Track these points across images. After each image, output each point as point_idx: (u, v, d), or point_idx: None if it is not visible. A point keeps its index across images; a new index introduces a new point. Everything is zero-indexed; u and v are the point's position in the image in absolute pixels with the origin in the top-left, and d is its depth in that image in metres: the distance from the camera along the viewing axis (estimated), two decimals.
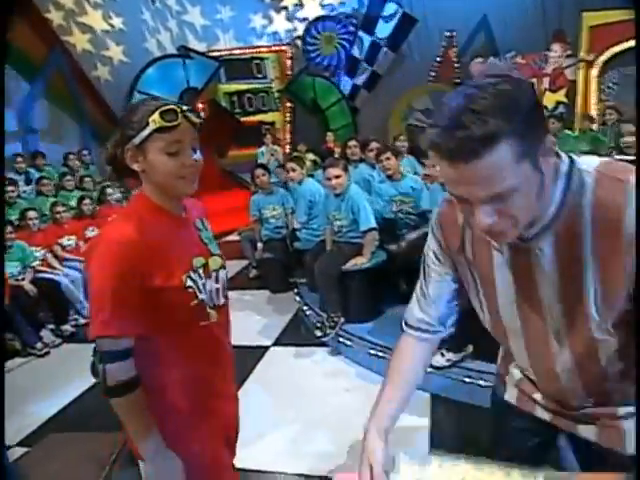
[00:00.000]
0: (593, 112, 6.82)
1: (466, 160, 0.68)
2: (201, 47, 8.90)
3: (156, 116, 1.02)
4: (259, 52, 9.20)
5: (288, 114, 9.39)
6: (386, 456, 0.92)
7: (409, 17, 8.41)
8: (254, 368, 3.07)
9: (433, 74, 8.36)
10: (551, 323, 0.87)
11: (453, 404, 2.42)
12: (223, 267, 1.22)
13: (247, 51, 9.18)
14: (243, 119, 9.08)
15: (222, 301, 1.20)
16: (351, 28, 8.76)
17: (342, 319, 3.19)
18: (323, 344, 3.23)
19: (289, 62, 9.31)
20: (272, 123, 9.39)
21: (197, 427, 1.17)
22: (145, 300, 1.03)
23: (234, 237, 6.64)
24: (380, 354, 2.81)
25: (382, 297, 3.32)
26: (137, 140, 1.03)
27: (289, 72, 9.29)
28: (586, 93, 7.18)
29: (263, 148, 7.69)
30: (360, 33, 8.77)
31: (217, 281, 1.18)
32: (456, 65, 8.22)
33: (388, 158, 3.39)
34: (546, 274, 0.83)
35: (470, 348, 2.49)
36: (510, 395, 1.09)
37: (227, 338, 1.26)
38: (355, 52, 8.89)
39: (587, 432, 0.96)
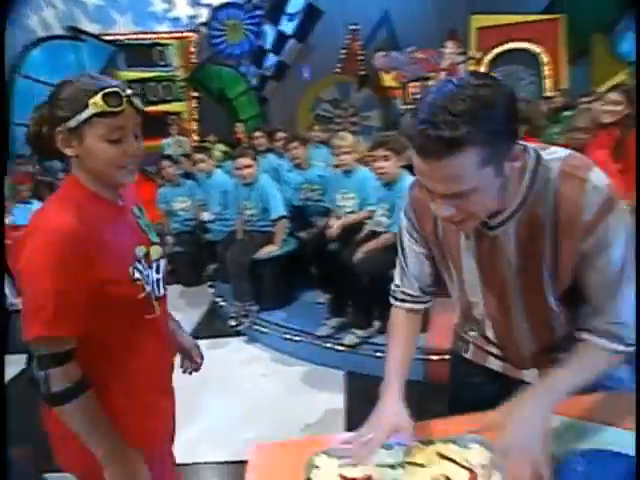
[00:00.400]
0: None
1: (432, 158, 0.74)
2: (94, 29, 8.20)
3: (98, 99, 0.91)
4: (161, 38, 8.74)
5: (194, 104, 9.08)
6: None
7: (315, 8, 8.51)
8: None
9: (339, 66, 8.56)
10: (511, 297, 0.97)
11: (368, 379, 2.55)
12: (162, 257, 1.13)
13: (148, 36, 8.67)
14: (147, 109, 8.60)
15: (162, 292, 1.12)
16: (257, 17, 8.65)
17: (256, 307, 3.21)
18: (239, 334, 3.23)
19: (193, 50, 8.98)
20: (178, 113, 9.02)
21: (146, 423, 1.09)
22: (91, 295, 0.94)
23: None
24: (295, 338, 2.88)
25: (294, 283, 3.39)
26: (73, 123, 0.93)
27: (194, 60, 8.97)
28: None
29: (169, 139, 7.39)
30: (266, 23, 8.70)
31: (158, 271, 1.10)
32: (360, 58, 8.48)
33: (296, 147, 3.45)
34: (508, 256, 0.92)
35: (377, 324, 2.63)
36: (468, 352, 1.18)
37: (168, 331, 1.19)
38: (262, 42, 8.81)
39: (530, 376, 1.07)
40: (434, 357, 2.40)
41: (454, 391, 1.28)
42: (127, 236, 1.05)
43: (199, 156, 4.21)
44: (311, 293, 3.33)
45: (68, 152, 0.96)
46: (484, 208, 0.83)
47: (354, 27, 8.52)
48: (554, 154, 0.88)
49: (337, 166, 3.08)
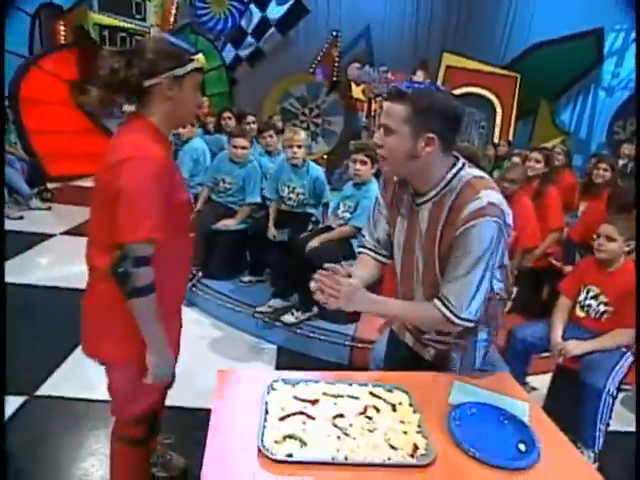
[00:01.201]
0: None
1: (388, 100, 1.19)
2: None
3: (200, 57, 1.21)
4: None
5: None
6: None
7: (302, 5, 8.68)
8: None
9: (314, 67, 8.81)
10: (415, 263, 1.32)
11: (297, 354, 2.84)
12: None
13: None
14: None
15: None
16: None
17: (200, 273, 3.37)
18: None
19: (174, 11, 8.80)
20: None
21: (172, 328, 1.37)
22: (168, 210, 1.18)
23: (86, 183, 6.19)
24: (236, 309, 3.08)
25: (243, 262, 3.56)
26: (180, 72, 1.18)
27: (172, 23, 8.79)
28: None
29: None
30: (252, 6, 8.74)
31: None
32: (336, 64, 8.79)
33: (271, 136, 3.65)
34: (420, 229, 1.27)
35: (315, 309, 2.91)
36: (396, 326, 1.55)
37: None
38: (243, 23, 8.83)
39: (427, 354, 1.43)
40: (360, 345, 2.73)
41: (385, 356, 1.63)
42: (177, 168, 1.35)
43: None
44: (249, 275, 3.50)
45: (168, 94, 1.19)
46: (394, 156, 1.19)
47: (336, 33, 8.82)
48: (475, 171, 1.23)
49: (289, 159, 3.21)
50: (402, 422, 1.09)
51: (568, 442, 1.13)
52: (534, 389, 2.48)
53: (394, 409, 1.14)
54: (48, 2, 7.50)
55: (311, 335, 2.83)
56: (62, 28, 7.77)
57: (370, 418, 1.10)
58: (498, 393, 1.26)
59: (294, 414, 1.09)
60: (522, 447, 1.06)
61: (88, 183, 5.89)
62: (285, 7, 8.66)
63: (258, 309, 3.00)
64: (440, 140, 1.17)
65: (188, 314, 3.21)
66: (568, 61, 7.97)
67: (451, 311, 1.21)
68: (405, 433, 1.06)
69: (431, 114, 1.15)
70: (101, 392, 2.19)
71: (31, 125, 5.99)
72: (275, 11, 8.71)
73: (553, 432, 1.16)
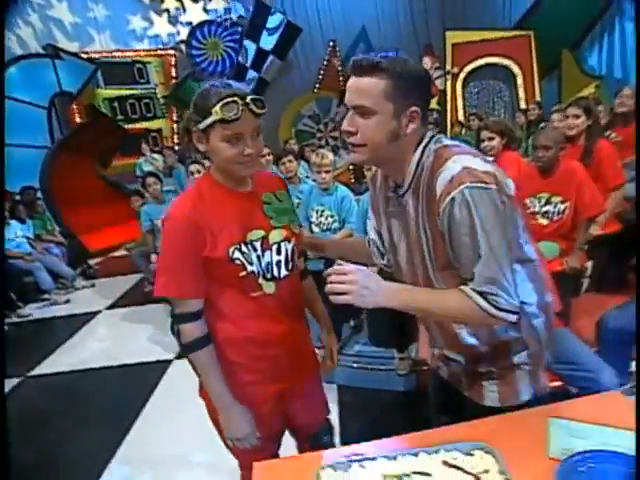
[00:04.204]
0: (461, 118, 7.63)
1: (356, 74, 0.97)
2: (72, 47, 8.17)
3: (217, 108, 1.06)
4: (140, 56, 8.76)
5: (175, 121, 9.07)
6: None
7: (294, 26, 8.63)
8: (158, 383, 2.96)
9: (319, 82, 8.68)
10: (414, 255, 1.08)
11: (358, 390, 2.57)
12: (287, 240, 1.24)
13: (127, 54, 8.68)
14: (127, 126, 8.54)
15: (284, 273, 1.23)
16: (237, 35, 8.73)
17: None
18: None
19: (173, 67, 9.00)
20: (159, 130, 9.00)
21: (245, 389, 1.24)
22: (204, 268, 1.14)
23: (122, 252, 6.28)
24: None
25: None
26: (202, 126, 1.10)
27: (174, 77, 8.99)
28: (454, 102, 8.01)
29: (142, 159, 7.35)
30: (246, 41, 8.78)
31: (279, 253, 1.21)
32: (340, 73, 8.62)
33: (290, 161, 3.47)
34: (409, 219, 1.05)
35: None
36: (423, 352, 1.34)
37: (289, 310, 1.27)
38: (241, 59, 8.87)
39: (461, 387, 1.16)
40: (425, 367, 2.44)
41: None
42: (241, 220, 1.18)
43: (196, 167, 4.07)
44: None
45: (201, 148, 1.15)
46: (375, 141, 0.97)
47: (333, 43, 8.68)
48: (445, 140, 1.03)
49: (319, 184, 3.08)
50: None
51: None
52: None
53: None
54: (59, 91, 7.85)
55: (369, 367, 2.57)
56: (76, 111, 8.11)
57: None
58: (614, 428, 0.95)
59: None
60: None
61: (123, 252, 5.98)
62: (276, 36, 8.63)
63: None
64: (422, 113, 0.99)
65: None
66: (582, 1, 7.37)
67: (486, 299, 0.93)
68: None
69: (411, 84, 0.96)
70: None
71: (64, 206, 6.15)
72: (268, 42, 8.70)
73: None
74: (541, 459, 0.91)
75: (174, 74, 8.98)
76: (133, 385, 2.98)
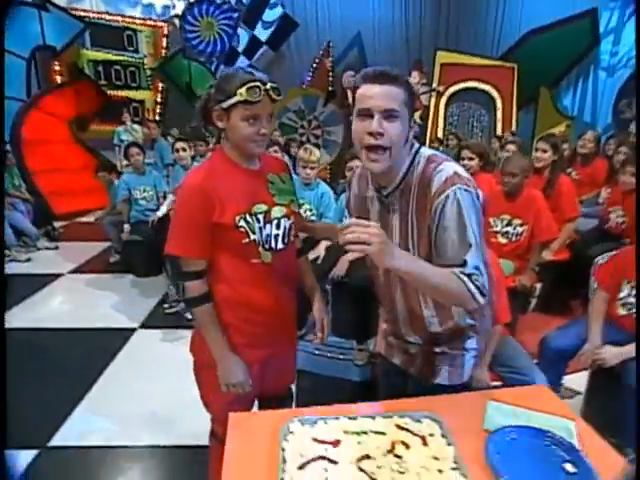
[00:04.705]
0: (440, 136, 7.93)
1: (379, 83, 1.08)
2: (61, 2, 7.89)
3: (243, 90, 1.20)
4: (132, 23, 8.59)
5: (159, 94, 8.95)
6: None
7: (291, 20, 8.70)
8: (120, 350, 3.01)
9: (309, 79, 8.78)
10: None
11: (315, 376, 2.70)
12: (287, 217, 1.38)
13: (119, 19, 8.48)
14: (109, 92, 8.35)
15: (281, 246, 1.37)
16: (233, 20, 8.70)
17: None
18: (191, 327, 3.27)
19: (165, 40, 8.87)
20: (141, 101, 8.86)
21: (251, 346, 1.38)
22: (211, 233, 1.27)
23: (88, 218, 6.20)
24: None
25: None
26: (225, 105, 1.23)
27: (164, 50, 8.86)
28: (435, 119, 8.31)
29: (121, 127, 7.25)
30: (241, 26, 8.77)
31: (278, 227, 1.36)
32: (330, 74, 8.76)
33: (276, 151, 3.58)
34: (394, 220, 1.20)
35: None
36: (383, 348, 1.47)
37: (282, 280, 1.40)
38: (234, 43, 8.85)
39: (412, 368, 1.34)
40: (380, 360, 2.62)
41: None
42: (248, 194, 1.31)
43: (181, 144, 4.08)
44: None
45: (219, 125, 1.28)
46: (398, 143, 1.10)
47: (327, 44, 8.80)
48: (429, 150, 1.19)
49: (303, 179, 3.16)
50: (436, 458, 0.98)
51: (618, 456, 1.01)
52: (571, 392, 2.34)
53: (425, 443, 1.03)
54: (42, 45, 7.59)
55: (329, 355, 2.73)
56: (57, 68, 7.87)
57: (399, 457, 0.99)
58: (538, 411, 1.14)
59: (314, 459, 0.99)
60: (569, 467, 0.96)
61: (92, 219, 5.91)
62: (275, 22, 8.68)
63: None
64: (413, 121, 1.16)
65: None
66: (564, 45, 7.84)
67: (473, 283, 1.07)
68: (440, 472, 0.95)
69: (413, 96, 1.13)
70: (116, 438, 2.18)
71: (34, 166, 6.00)
72: (265, 27, 8.74)
73: (602, 449, 1.04)
74: (477, 430, 1.09)
75: (165, 47, 8.85)
76: (96, 348, 3.00)
